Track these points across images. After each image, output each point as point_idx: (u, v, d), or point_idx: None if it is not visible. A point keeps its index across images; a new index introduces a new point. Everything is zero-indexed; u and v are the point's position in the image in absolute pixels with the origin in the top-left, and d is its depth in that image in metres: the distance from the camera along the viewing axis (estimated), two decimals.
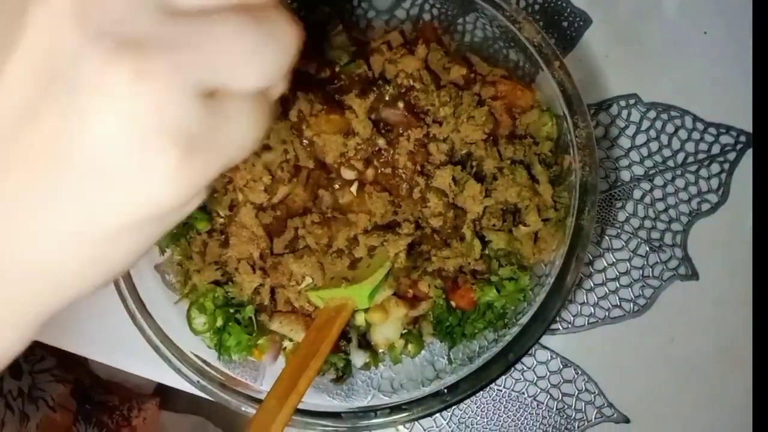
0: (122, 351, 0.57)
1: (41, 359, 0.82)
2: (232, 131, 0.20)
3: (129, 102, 0.17)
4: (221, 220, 0.47)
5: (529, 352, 0.45)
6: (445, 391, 0.43)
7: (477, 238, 0.44)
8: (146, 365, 0.57)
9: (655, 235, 0.57)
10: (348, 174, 0.45)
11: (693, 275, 0.56)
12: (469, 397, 0.43)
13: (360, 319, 0.48)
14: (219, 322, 0.47)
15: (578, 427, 0.56)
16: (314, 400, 0.47)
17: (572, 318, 0.56)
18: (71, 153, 0.17)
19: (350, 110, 0.44)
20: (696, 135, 0.57)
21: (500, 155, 0.45)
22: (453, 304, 0.47)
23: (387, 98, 0.45)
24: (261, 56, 0.19)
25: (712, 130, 0.57)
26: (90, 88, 0.17)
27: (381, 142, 0.44)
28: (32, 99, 0.17)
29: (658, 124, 0.57)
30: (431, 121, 0.46)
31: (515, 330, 0.45)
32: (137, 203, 0.18)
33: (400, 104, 0.45)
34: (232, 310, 0.46)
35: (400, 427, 0.56)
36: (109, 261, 0.20)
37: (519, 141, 0.46)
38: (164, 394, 0.99)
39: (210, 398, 0.46)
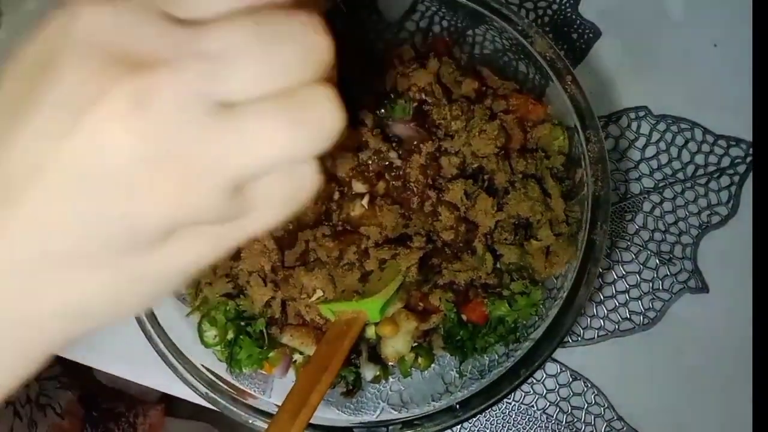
0: (130, 361, 0.57)
1: (48, 366, 0.82)
2: (248, 145, 0.18)
3: (132, 125, 0.17)
4: None
5: None
6: (458, 406, 0.43)
7: (489, 251, 0.44)
8: (154, 376, 0.57)
9: (665, 247, 0.56)
10: (359, 187, 0.45)
11: (703, 288, 0.56)
12: (481, 412, 0.42)
13: (370, 332, 0.48)
14: (230, 335, 0.46)
15: None
16: (323, 413, 0.47)
17: (582, 330, 0.56)
18: (81, 170, 0.17)
19: (362, 124, 0.44)
20: (706, 147, 0.57)
21: (512, 169, 0.45)
22: (464, 317, 0.47)
23: (402, 113, 0.45)
24: (280, 56, 0.18)
25: (722, 142, 0.57)
26: (92, 113, 0.17)
27: (393, 155, 0.44)
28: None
29: (668, 137, 0.57)
30: (443, 135, 0.46)
31: (527, 345, 0.45)
32: (146, 219, 0.18)
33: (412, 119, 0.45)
34: (243, 323, 0.46)
35: None
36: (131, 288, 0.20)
37: (531, 155, 0.45)
38: (169, 400, 0.99)
39: (218, 410, 0.46)
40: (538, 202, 0.43)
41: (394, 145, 0.46)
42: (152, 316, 0.45)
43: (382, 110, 0.46)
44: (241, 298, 0.46)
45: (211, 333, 0.46)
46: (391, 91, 0.47)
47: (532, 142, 0.47)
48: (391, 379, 0.51)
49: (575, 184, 0.45)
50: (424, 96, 0.46)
